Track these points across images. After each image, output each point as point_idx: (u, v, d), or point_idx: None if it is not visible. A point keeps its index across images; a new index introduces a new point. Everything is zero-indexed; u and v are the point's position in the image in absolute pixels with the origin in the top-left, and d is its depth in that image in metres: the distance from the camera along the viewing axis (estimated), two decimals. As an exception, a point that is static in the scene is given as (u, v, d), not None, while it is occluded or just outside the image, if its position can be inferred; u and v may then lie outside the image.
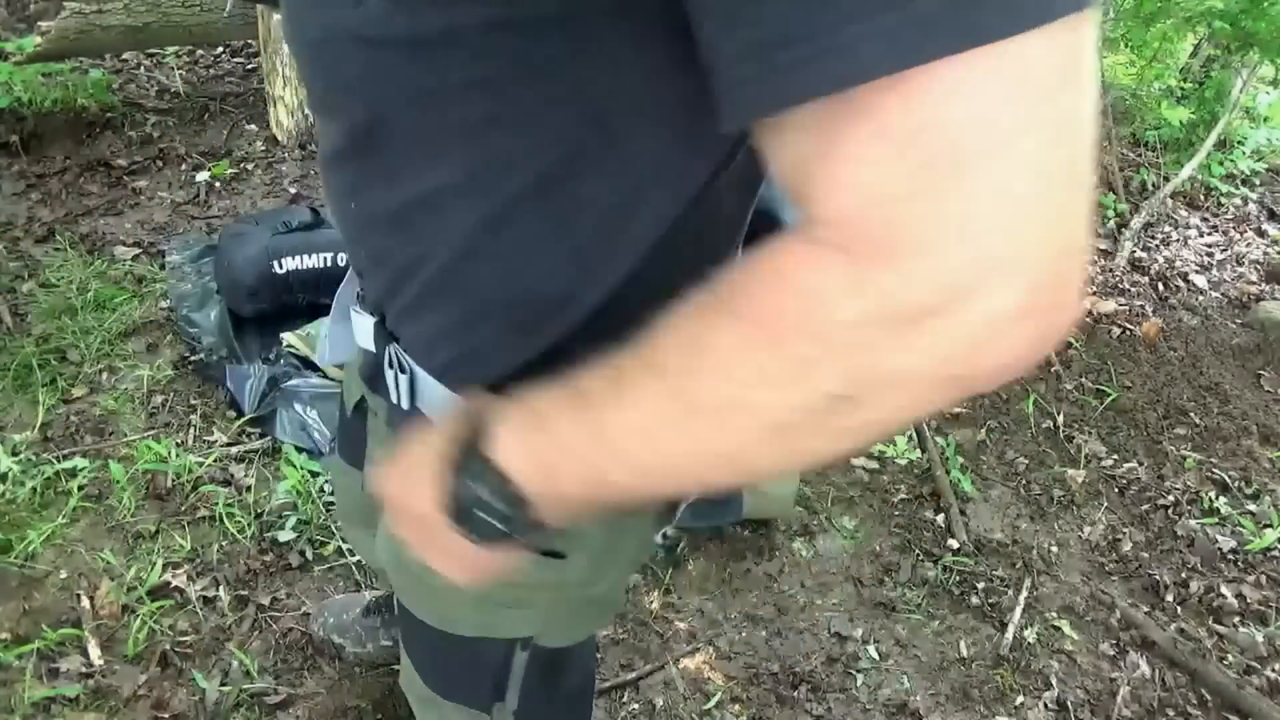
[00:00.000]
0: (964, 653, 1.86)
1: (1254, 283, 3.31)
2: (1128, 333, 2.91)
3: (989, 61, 0.36)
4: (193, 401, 2.10)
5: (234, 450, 2.00)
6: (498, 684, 0.87)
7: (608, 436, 0.47)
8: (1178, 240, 3.50)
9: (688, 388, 0.44)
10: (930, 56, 0.36)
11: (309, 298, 2.26)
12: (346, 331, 0.87)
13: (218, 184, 2.85)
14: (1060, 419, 2.51)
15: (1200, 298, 3.18)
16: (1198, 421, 2.58)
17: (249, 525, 1.84)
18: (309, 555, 1.82)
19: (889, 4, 0.36)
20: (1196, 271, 3.32)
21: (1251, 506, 2.32)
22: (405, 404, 0.70)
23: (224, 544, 1.82)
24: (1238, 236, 3.60)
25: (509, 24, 0.46)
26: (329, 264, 2.27)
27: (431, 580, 0.79)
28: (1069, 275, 0.39)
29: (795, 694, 1.73)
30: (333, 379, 2.10)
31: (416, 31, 0.47)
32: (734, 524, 2.02)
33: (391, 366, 0.70)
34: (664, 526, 0.77)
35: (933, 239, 0.38)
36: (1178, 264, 3.34)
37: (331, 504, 1.88)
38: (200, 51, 3.55)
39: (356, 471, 1.04)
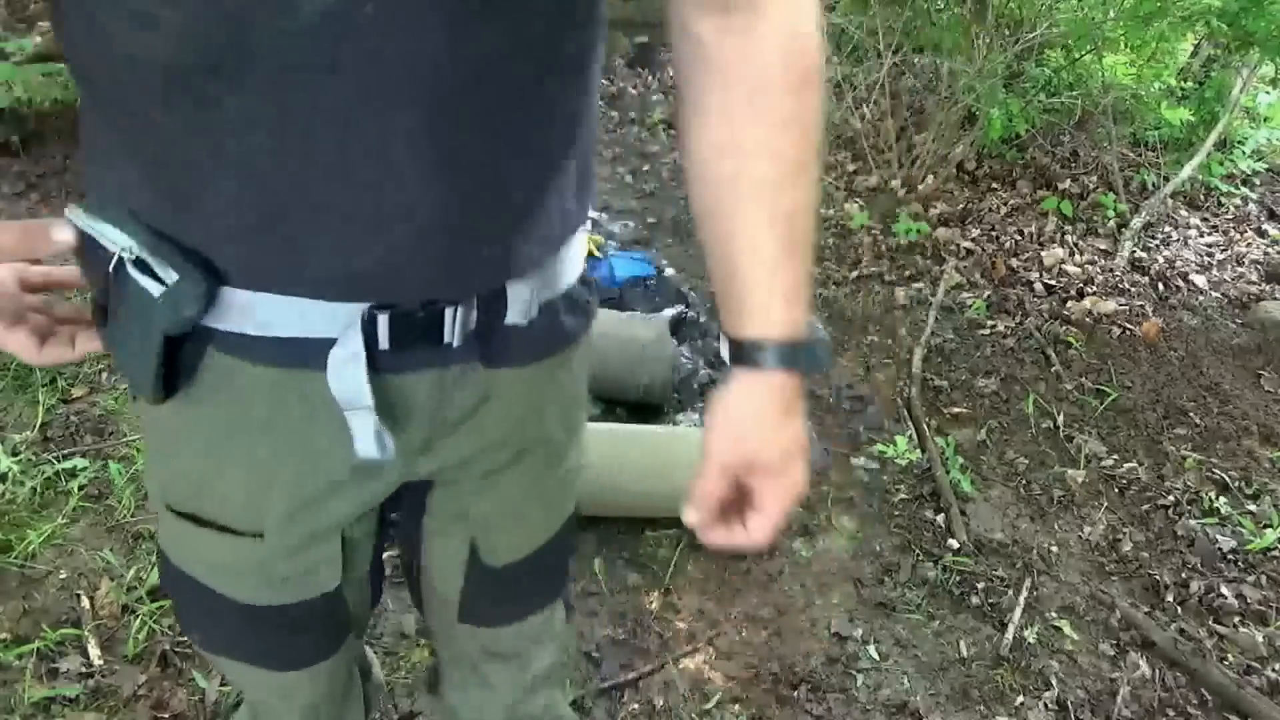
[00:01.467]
0: (964, 653, 1.86)
1: (1254, 283, 3.31)
2: (1128, 333, 2.91)
3: None
4: (193, 401, 2.10)
5: (234, 450, 2.00)
6: (569, 568, 0.99)
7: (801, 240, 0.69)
8: (1178, 240, 3.50)
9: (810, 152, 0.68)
10: None
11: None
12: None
13: (218, 184, 2.84)
14: (1060, 419, 2.51)
15: (1200, 298, 3.18)
16: (1198, 421, 2.59)
17: (249, 525, 1.84)
18: (309, 555, 1.82)
19: None
20: (1196, 271, 3.32)
21: (1251, 506, 2.32)
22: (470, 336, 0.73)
23: (224, 544, 1.81)
24: (1238, 236, 3.60)
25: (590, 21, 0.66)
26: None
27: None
28: None
29: (795, 694, 1.73)
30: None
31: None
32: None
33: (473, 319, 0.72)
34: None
35: None
36: (1178, 264, 3.34)
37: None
38: (200, 51, 3.55)
39: None
